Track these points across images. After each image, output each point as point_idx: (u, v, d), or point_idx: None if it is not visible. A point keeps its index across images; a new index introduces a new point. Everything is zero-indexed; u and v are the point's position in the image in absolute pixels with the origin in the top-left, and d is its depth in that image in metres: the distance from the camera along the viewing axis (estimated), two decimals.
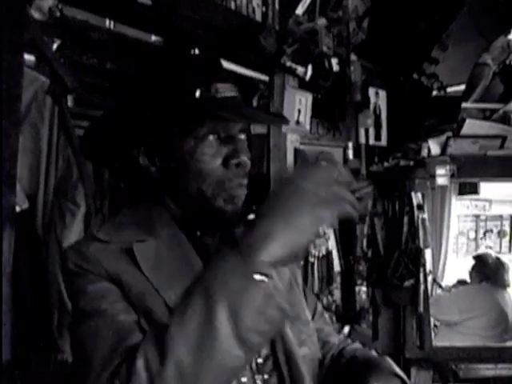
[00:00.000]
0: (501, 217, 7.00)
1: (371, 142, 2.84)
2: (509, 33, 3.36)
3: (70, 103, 2.22)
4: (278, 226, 0.86)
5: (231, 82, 1.13)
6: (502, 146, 2.84)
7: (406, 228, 2.83)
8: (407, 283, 2.85)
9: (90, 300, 1.01)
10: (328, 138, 2.83)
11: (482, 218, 6.90)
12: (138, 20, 2.41)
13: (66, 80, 2.10)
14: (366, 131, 2.81)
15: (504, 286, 3.88)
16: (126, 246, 1.05)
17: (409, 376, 2.87)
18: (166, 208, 1.12)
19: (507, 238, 6.97)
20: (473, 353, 2.94)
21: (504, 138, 2.82)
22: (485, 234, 6.97)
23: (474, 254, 4.47)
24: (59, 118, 1.98)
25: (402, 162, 2.80)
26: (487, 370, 2.91)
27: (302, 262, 1.29)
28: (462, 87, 3.18)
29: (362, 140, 2.80)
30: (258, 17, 2.46)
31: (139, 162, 1.12)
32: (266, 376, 1.09)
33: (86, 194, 1.98)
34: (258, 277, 0.85)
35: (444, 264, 4.85)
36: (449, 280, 4.83)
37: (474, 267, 4.04)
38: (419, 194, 2.84)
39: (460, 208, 6.19)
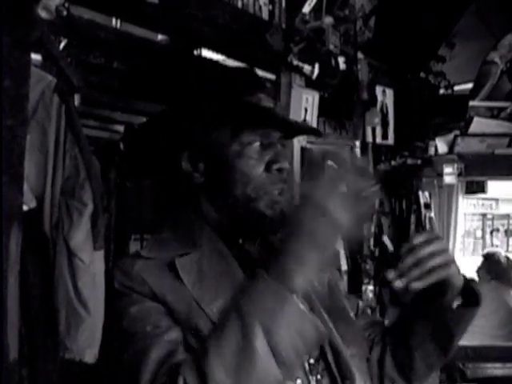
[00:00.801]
0: (508, 216, 6.98)
1: (378, 140, 2.83)
2: None
3: (76, 102, 2.22)
4: (305, 247, 0.90)
5: (268, 95, 1.17)
6: (509, 145, 2.82)
7: (413, 227, 2.83)
8: None
9: (134, 321, 1.02)
10: (335, 136, 2.83)
11: (489, 216, 6.88)
12: (145, 19, 2.41)
13: (73, 79, 2.10)
14: (373, 130, 2.80)
15: (510, 284, 3.86)
16: (169, 261, 1.06)
17: None
18: (204, 217, 1.14)
19: None
20: (480, 352, 2.93)
21: None
22: (492, 232, 6.95)
23: (482, 252, 4.45)
24: (66, 117, 1.98)
25: (409, 161, 2.79)
26: (495, 369, 2.90)
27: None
28: (470, 85, 3.17)
29: (369, 139, 2.79)
30: (265, 15, 2.45)
31: (182, 167, 1.13)
32: (318, 376, 1.11)
33: (93, 193, 1.98)
34: (292, 297, 0.88)
35: None
36: None
37: (483, 265, 4.02)
38: (426, 193, 2.84)
39: (467, 207, 6.16)
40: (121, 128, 3.84)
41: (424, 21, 3.01)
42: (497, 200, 6.68)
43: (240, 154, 1.09)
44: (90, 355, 1.98)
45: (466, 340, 3.45)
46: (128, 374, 1.03)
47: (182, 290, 1.04)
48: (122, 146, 3.85)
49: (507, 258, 3.98)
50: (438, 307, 1.16)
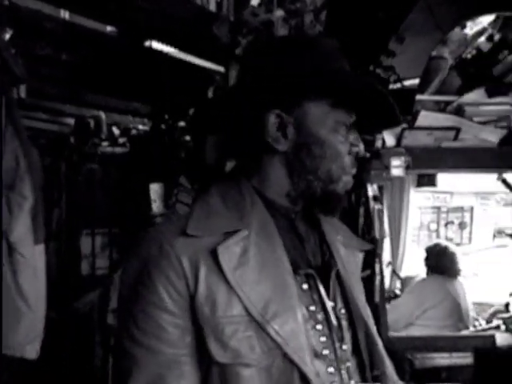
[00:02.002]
0: (462, 208, 7.10)
1: None
2: (465, 26, 3.40)
3: (22, 94, 2.18)
4: None
5: None
6: (456, 138, 2.87)
7: (362, 219, 2.84)
8: (363, 274, 2.85)
9: (142, 324, 1.00)
10: None
11: (444, 209, 6.99)
12: (94, 10, 2.38)
13: (16, 70, 2.05)
14: None
15: (454, 275, 3.93)
16: (213, 242, 1.02)
17: None
18: (266, 187, 1.12)
19: (468, 230, 7.08)
20: (428, 342, 2.97)
21: (458, 130, 2.85)
22: (446, 225, 7.06)
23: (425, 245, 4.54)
24: (6, 109, 1.94)
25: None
26: (442, 359, 2.94)
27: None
28: (418, 80, 3.20)
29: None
30: (213, 7, 2.44)
31: (268, 130, 1.10)
32: (348, 364, 1.12)
33: (33, 186, 1.94)
34: None
35: (403, 255, 4.89)
36: (408, 271, 4.88)
37: (426, 257, 4.10)
38: (375, 186, 2.85)
39: (421, 200, 6.26)
40: (71, 121, 3.78)
41: (375, 15, 3.03)
42: (451, 193, 6.80)
43: (334, 130, 1.09)
44: (31, 351, 1.95)
45: (415, 331, 3.53)
46: (120, 371, 1.03)
47: (218, 275, 1.00)
48: (72, 139, 3.79)
49: (446, 248, 4.05)
50: None
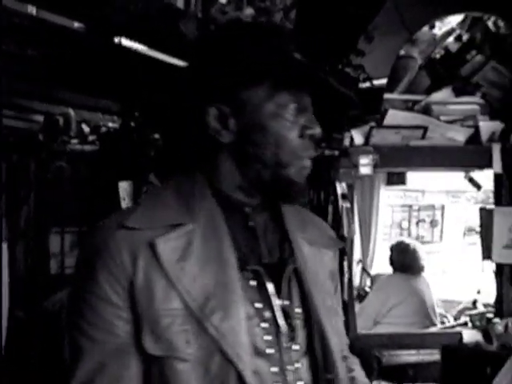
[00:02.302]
0: (433, 207, 7.19)
1: None
2: (434, 26, 3.43)
3: None
4: None
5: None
6: (423, 137, 2.89)
7: (330, 217, 2.86)
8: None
9: (87, 316, 1.00)
10: None
11: (415, 207, 7.08)
12: (61, 6, 2.35)
13: None
14: None
15: (418, 271, 3.97)
16: (155, 235, 1.00)
17: None
18: (217, 181, 1.10)
19: (439, 228, 7.18)
20: (396, 340, 3.00)
21: (426, 129, 2.88)
22: (417, 223, 7.15)
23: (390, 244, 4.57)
24: None
25: (327, 152, 2.82)
26: (410, 356, 2.97)
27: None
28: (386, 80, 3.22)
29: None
30: (180, 4, 2.43)
31: (208, 123, 1.08)
32: (298, 365, 1.09)
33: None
34: None
35: (373, 253, 4.94)
36: (378, 269, 4.93)
37: (391, 255, 4.13)
38: (344, 184, 2.87)
39: (393, 198, 6.33)
40: (40, 118, 3.73)
41: (344, 14, 3.04)
42: (423, 191, 6.89)
43: (276, 115, 1.05)
44: None
45: (382, 329, 3.57)
46: (69, 361, 1.02)
47: (156, 268, 0.99)
48: (41, 136, 3.74)
49: (408, 245, 4.08)
50: None
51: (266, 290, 1.08)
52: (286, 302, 1.10)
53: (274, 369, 1.05)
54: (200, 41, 1.17)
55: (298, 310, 1.13)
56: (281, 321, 1.08)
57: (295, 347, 1.09)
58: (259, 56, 1.06)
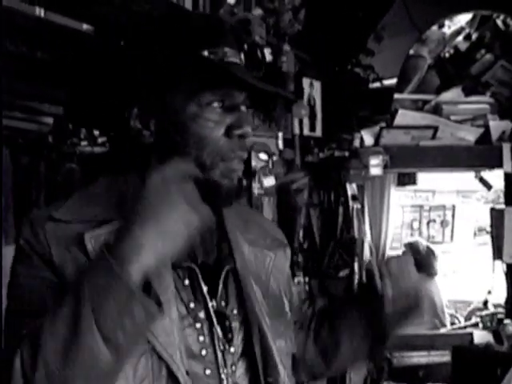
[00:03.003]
0: (444, 207, 7.14)
1: (306, 132, 2.83)
2: (443, 25, 3.42)
3: None
4: (150, 235, 0.87)
5: (236, 49, 1.06)
6: (433, 137, 2.88)
7: (340, 218, 2.85)
8: (342, 273, 2.87)
9: (21, 288, 0.98)
10: (264, 128, 2.81)
11: (426, 208, 7.01)
12: (68, 8, 2.36)
13: None
14: (301, 122, 2.80)
15: (432, 274, 3.96)
16: (82, 230, 0.98)
17: None
18: (144, 179, 1.02)
19: (449, 228, 7.12)
20: (406, 341, 2.98)
21: (436, 129, 2.86)
22: (428, 223, 7.09)
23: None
24: None
25: (337, 153, 2.81)
26: (420, 357, 2.96)
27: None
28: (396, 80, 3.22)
29: (297, 130, 2.80)
30: (189, 5, 2.42)
31: (130, 124, 1.04)
32: (233, 368, 1.06)
33: (2, 187, 1.92)
34: (122, 276, 0.85)
35: (384, 254, 4.90)
36: None
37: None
38: (354, 185, 2.86)
39: (403, 199, 6.29)
40: (50, 120, 3.74)
41: (353, 14, 3.04)
42: (433, 192, 6.83)
43: (197, 115, 1.01)
44: None
45: None
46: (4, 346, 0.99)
47: (85, 264, 0.96)
48: (50, 138, 3.76)
49: (428, 247, 4.07)
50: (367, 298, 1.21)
51: (200, 290, 1.05)
52: (222, 303, 1.08)
53: (208, 371, 1.03)
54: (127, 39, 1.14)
55: (235, 312, 1.10)
56: (215, 322, 1.05)
57: (232, 349, 1.06)
58: (173, 59, 1.01)
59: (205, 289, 1.06)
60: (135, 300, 0.85)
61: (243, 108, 1.05)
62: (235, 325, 1.08)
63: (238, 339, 1.07)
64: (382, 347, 1.31)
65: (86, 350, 0.83)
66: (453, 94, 3.02)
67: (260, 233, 1.21)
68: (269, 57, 2.63)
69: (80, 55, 2.71)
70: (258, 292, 1.12)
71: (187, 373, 0.98)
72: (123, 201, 1.03)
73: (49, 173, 3.62)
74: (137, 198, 0.91)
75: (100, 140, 3.84)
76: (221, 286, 1.08)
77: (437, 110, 2.94)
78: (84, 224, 1.00)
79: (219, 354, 1.04)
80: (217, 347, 1.04)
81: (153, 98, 1.03)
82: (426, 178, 4.72)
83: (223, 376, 1.04)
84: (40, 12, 2.68)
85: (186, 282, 1.05)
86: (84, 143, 3.82)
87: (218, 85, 1.00)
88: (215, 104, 1.01)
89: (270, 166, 2.55)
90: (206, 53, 1.00)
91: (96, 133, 3.81)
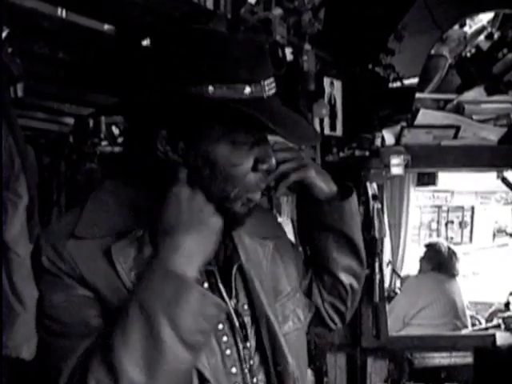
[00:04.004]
0: (462, 208, 7.10)
1: (326, 131, 2.82)
2: (464, 24, 3.39)
3: (19, 93, 2.17)
4: (195, 243, 0.95)
5: (273, 73, 1.06)
6: (455, 136, 2.85)
7: (361, 218, 2.83)
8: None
9: (59, 309, 0.99)
10: None
11: (444, 208, 6.99)
12: (89, 8, 2.37)
13: (12, 68, 2.04)
14: (321, 121, 2.79)
15: (453, 275, 3.93)
16: (106, 244, 1.01)
17: (365, 365, 2.88)
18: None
19: (468, 229, 7.08)
20: (428, 342, 2.97)
21: (458, 128, 2.83)
22: (446, 224, 7.06)
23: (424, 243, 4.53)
24: (0, 107, 1.93)
25: (357, 152, 2.79)
26: (442, 358, 2.94)
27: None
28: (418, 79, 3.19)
29: (317, 130, 2.78)
30: (210, 4, 2.42)
31: (156, 145, 1.02)
32: (251, 362, 1.09)
33: (28, 185, 1.92)
34: (190, 283, 0.91)
35: (403, 254, 4.88)
36: (408, 270, 4.87)
37: (425, 255, 4.09)
38: (374, 184, 2.84)
39: (422, 199, 6.27)
40: (70, 120, 3.77)
41: (373, 13, 3.02)
42: (452, 192, 6.80)
43: (229, 155, 1.01)
44: (27, 351, 1.93)
45: (412, 330, 3.52)
46: (48, 369, 1.01)
47: (116, 278, 1.00)
48: (71, 138, 3.78)
49: (449, 248, 4.05)
50: (313, 204, 1.26)
51: (219, 291, 1.09)
52: (235, 301, 1.11)
53: (234, 369, 1.07)
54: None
55: (246, 307, 1.13)
56: (236, 321, 1.09)
57: (248, 345, 1.10)
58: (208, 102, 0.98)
59: (223, 290, 1.10)
60: (206, 300, 0.92)
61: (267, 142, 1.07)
62: (247, 320, 1.12)
63: (251, 333, 1.11)
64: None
65: (170, 358, 0.88)
66: (475, 93, 2.99)
67: (255, 222, 1.21)
68: (290, 56, 2.63)
69: (101, 55, 2.72)
70: (263, 283, 1.15)
71: (215, 372, 1.02)
72: (137, 208, 1.05)
73: (69, 172, 3.66)
74: (168, 209, 0.97)
75: (120, 140, 3.86)
76: (233, 284, 1.12)
77: (459, 110, 2.91)
78: (105, 238, 1.02)
79: (241, 352, 1.08)
80: (239, 345, 1.08)
81: (185, 127, 1.02)
82: (445, 179, 4.69)
83: (246, 371, 1.08)
84: (62, 13, 2.70)
85: (206, 284, 1.09)
86: (104, 143, 3.83)
87: (254, 127, 1.01)
88: (246, 143, 1.03)
89: None
90: (247, 89, 0.98)
91: (116, 132, 3.83)
